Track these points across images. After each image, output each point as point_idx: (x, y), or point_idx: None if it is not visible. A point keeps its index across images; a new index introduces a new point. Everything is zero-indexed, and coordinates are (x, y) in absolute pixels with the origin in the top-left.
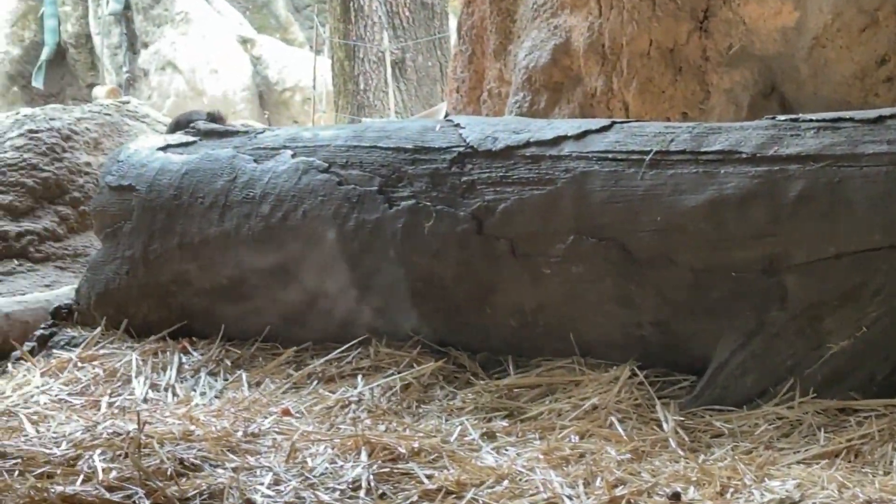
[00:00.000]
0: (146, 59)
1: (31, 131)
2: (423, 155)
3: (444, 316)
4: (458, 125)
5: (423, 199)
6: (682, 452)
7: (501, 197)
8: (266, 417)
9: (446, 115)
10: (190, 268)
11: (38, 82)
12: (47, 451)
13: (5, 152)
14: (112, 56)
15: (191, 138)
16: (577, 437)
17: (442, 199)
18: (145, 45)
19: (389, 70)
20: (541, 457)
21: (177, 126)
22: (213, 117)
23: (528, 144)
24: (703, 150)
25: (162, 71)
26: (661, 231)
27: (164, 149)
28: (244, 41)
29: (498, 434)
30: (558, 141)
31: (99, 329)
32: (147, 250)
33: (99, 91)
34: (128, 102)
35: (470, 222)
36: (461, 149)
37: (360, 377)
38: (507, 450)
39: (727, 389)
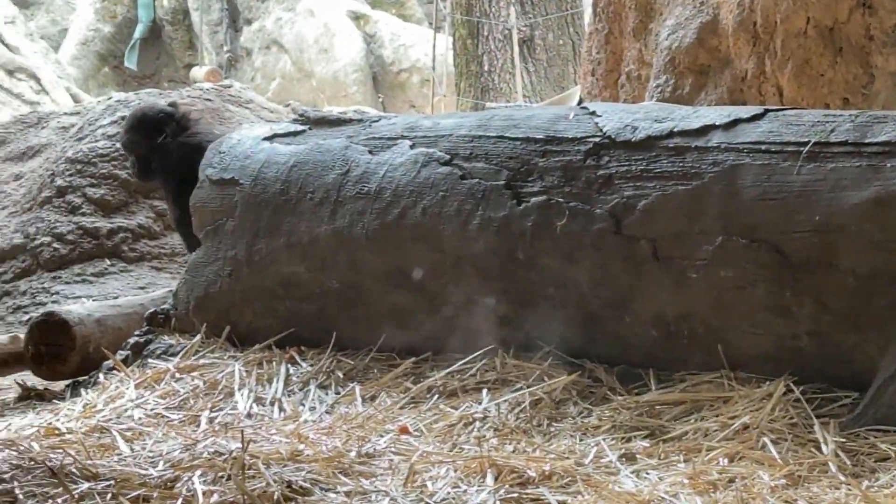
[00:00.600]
0: (249, 38)
1: (124, 118)
2: (555, 146)
3: (579, 324)
4: (593, 113)
5: (554, 195)
6: (843, 478)
7: (642, 193)
8: (382, 436)
9: (580, 101)
10: (298, 269)
11: (130, 62)
12: (143, 471)
13: (97, 141)
14: (212, 34)
15: (299, 127)
16: (725, 460)
17: (576, 196)
18: (248, 22)
19: (517, 49)
20: (686, 481)
21: (143, 117)
22: (176, 106)
23: (671, 134)
24: (866, 141)
25: (266, 50)
26: (819, 232)
27: (269, 139)
28: (357, 17)
29: (638, 456)
30: (705, 130)
31: (199, 336)
32: (251, 250)
33: (197, 72)
34: (230, 86)
35: (607, 221)
36: (597, 139)
37: (485, 391)
38: (648, 473)
39: (894, 408)
